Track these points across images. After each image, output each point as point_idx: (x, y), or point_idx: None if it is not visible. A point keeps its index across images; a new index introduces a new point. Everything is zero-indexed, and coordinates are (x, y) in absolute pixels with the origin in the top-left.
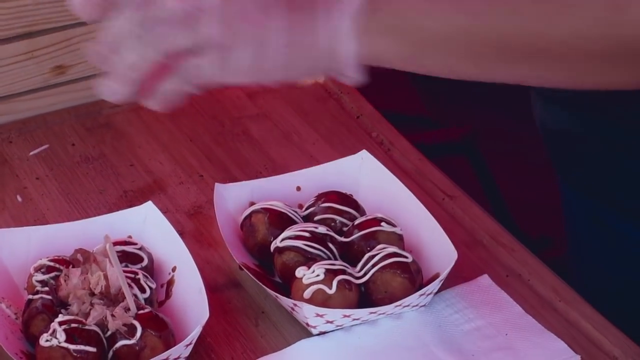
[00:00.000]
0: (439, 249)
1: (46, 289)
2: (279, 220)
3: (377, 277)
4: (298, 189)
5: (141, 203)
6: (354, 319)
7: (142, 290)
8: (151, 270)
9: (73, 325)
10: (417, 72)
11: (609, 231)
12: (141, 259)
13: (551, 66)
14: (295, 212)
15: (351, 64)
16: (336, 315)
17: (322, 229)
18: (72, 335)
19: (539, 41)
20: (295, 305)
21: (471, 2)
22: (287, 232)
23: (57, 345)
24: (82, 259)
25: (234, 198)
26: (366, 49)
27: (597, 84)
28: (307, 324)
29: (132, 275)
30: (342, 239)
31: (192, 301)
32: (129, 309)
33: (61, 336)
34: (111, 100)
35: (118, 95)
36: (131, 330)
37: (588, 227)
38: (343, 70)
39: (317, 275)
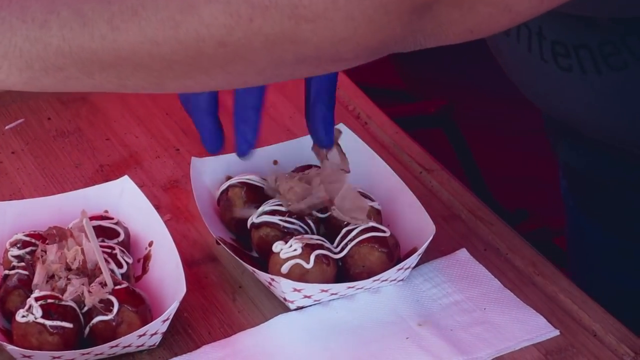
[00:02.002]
0: (416, 223)
1: (22, 264)
2: (256, 195)
3: (355, 252)
4: (275, 162)
5: (117, 177)
6: (332, 294)
7: (119, 266)
8: (128, 245)
9: (49, 301)
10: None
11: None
12: (118, 234)
13: (133, 74)
14: None
15: None
16: (314, 289)
17: None
18: (49, 311)
19: (112, 51)
20: (272, 280)
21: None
22: (264, 207)
23: (33, 321)
24: (57, 235)
25: (211, 172)
26: None
27: (188, 88)
28: (285, 299)
29: (109, 251)
30: (319, 214)
31: (169, 276)
32: (105, 285)
33: (37, 312)
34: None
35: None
36: (108, 306)
37: (598, 252)
38: None
39: (295, 250)
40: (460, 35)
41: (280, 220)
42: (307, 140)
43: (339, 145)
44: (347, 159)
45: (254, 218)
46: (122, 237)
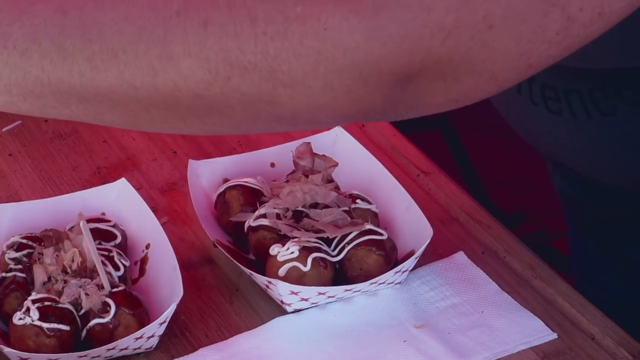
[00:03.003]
0: (414, 226)
1: (19, 266)
2: (253, 197)
3: (352, 255)
4: (272, 165)
5: (114, 179)
6: (329, 297)
7: (116, 268)
8: (125, 247)
9: (46, 303)
10: None
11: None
12: (115, 237)
13: (109, 111)
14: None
15: None
16: (311, 292)
17: None
18: (46, 313)
19: (90, 88)
20: (269, 282)
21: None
22: (260, 210)
23: (30, 324)
24: (53, 238)
25: (208, 175)
26: None
27: (163, 130)
28: (282, 302)
29: (106, 253)
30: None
31: (166, 279)
32: (102, 287)
33: (34, 314)
34: None
35: None
36: (105, 309)
37: (597, 271)
38: None
39: (292, 253)
40: (443, 105)
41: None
42: None
43: (314, 154)
44: (328, 156)
45: (251, 221)
46: (119, 239)
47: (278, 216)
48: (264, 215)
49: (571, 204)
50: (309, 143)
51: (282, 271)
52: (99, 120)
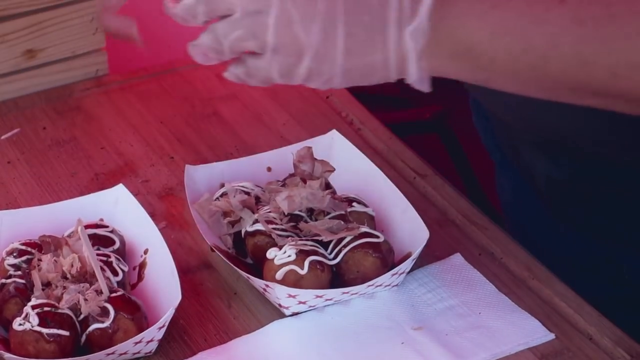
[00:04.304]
0: (411, 228)
1: (19, 272)
2: (250, 202)
3: (349, 257)
4: (269, 169)
5: (112, 185)
6: (327, 300)
7: (115, 274)
8: (123, 253)
9: (46, 309)
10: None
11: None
12: (113, 242)
13: (624, 104)
14: None
15: (417, 80)
16: (308, 295)
17: None
18: (45, 319)
19: (603, 80)
20: (267, 286)
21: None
22: (257, 215)
23: (30, 329)
24: (52, 244)
25: (205, 179)
26: (436, 71)
27: None
28: (280, 305)
29: (105, 259)
30: (314, 221)
31: (164, 283)
32: (101, 292)
33: (34, 320)
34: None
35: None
36: (104, 314)
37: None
38: (407, 80)
39: (289, 256)
40: None
41: (274, 228)
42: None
43: (313, 158)
44: (326, 160)
45: (248, 227)
46: (117, 245)
47: (275, 221)
48: (260, 221)
49: (556, 189)
50: (310, 147)
51: (279, 274)
52: (612, 107)
